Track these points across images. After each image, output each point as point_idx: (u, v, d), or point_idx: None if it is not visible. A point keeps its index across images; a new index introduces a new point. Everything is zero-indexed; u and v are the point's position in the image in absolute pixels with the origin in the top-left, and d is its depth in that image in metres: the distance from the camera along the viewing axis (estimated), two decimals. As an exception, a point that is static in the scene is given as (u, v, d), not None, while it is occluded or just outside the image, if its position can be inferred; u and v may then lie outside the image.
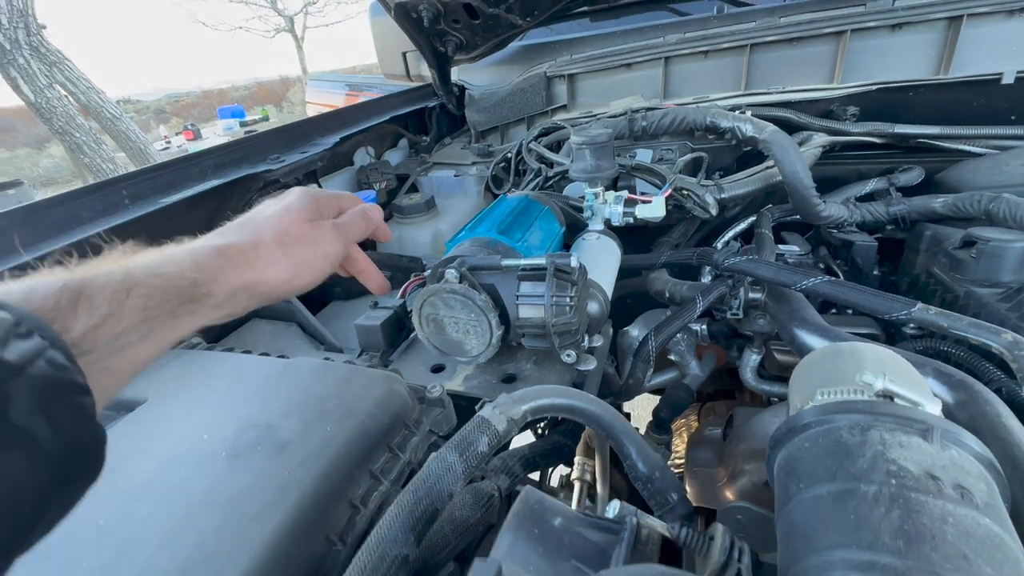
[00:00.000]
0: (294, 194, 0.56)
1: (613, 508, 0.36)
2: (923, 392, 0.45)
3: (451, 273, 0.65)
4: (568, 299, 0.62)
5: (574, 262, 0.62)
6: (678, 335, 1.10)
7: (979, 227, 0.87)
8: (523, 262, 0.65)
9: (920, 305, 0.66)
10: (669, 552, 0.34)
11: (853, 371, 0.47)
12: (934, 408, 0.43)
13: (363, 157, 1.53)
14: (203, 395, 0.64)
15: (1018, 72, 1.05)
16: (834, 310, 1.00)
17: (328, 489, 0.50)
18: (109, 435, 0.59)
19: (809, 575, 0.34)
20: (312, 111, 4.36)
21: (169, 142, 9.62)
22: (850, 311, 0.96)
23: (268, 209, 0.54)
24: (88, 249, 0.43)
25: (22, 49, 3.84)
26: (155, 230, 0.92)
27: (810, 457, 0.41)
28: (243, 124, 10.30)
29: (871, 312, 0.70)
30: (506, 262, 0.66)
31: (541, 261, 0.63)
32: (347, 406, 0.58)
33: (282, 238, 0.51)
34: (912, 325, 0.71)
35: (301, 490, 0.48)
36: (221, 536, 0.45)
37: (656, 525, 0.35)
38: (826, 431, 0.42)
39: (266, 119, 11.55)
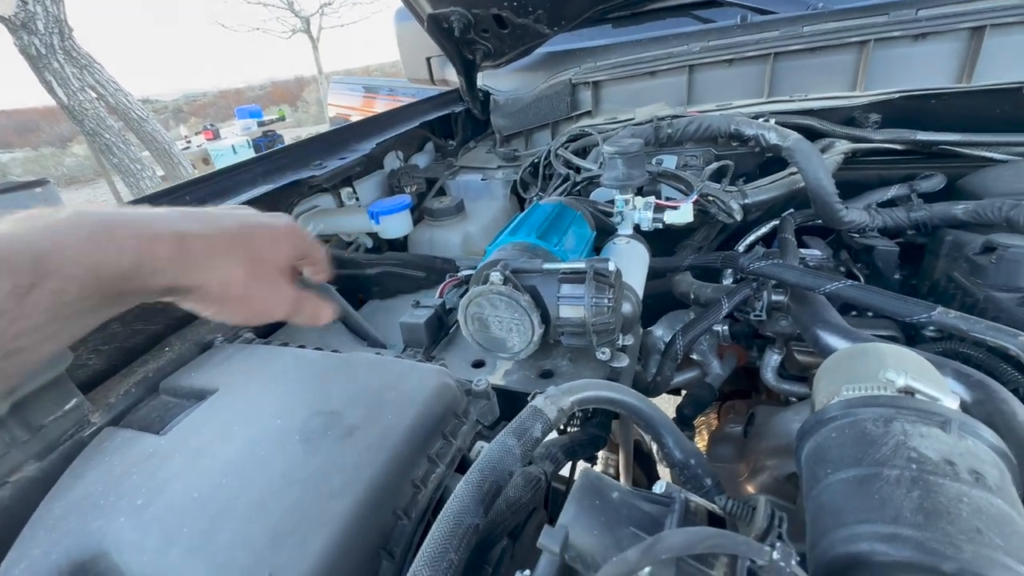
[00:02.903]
0: (285, 229, 0.50)
1: (660, 486, 0.41)
2: (942, 389, 0.50)
3: (496, 276, 0.70)
4: (606, 300, 0.66)
5: (612, 266, 0.67)
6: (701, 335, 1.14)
7: (1000, 233, 0.89)
8: (563, 266, 0.70)
9: (940, 309, 0.70)
10: (715, 526, 0.39)
11: (876, 369, 0.52)
12: (952, 403, 0.47)
13: (393, 161, 1.59)
14: (270, 385, 0.70)
15: (1041, 81, 1.07)
16: (854, 312, 1.03)
17: (394, 470, 0.55)
18: (190, 421, 0.66)
19: (836, 547, 0.38)
20: (332, 111, 4.46)
21: (189, 142, 9.80)
22: (870, 314, 0.99)
23: (252, 218, 0.48)
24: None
25: (57, 54, 3.99)
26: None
27: (837, 446, 0.45)
28: (261, 124, 10.43)
29: (893, 315, 0.74)
30: (547, 266, 0.71)
31: (581, 265, 0.68)
32: (405, 397, 0.63)
33: (254, 269, 0.45)
34: (932, 328, 0.75)
35: (372, 471, 0.54)
36: (304, 509, 0.51)
37: (701, 501, 0.40)
38: (852, 423, 0.46)
39: (283, 119, 11.69)
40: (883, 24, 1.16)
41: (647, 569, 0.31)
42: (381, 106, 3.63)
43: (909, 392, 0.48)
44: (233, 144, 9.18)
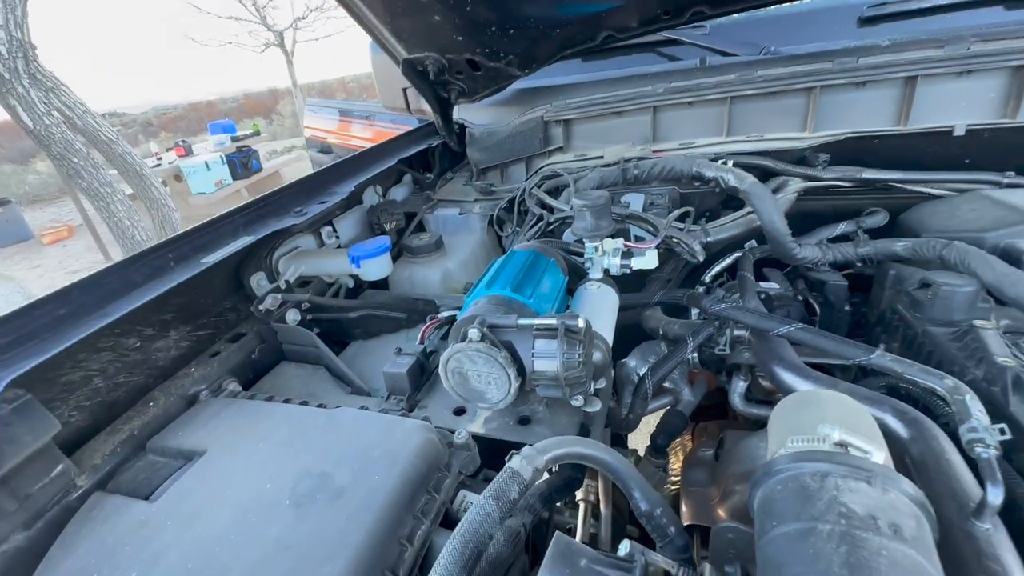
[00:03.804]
0: None
1: (624, 547, 0.46)
2: (873, 440, 0.56)
3: (474, 332, 0.74)
4: (577, 355, 0.71)
5: (581, 323, 0.72)
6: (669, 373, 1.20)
7: (936, 271, 0.98)
8: (536, 321, 0.75)
9: (878, 352, 0.77)
10: (670, 584, 0.43)
11: (816, 422, 0.58)
12: (879, 455, 0.53)
13: (372, 196, 1.62)
14: (258, 446, 0.73)
15: (968, 125, 1.17)
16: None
17: (383, 531, 0.59)
18: (180, 484, 0.68)
19: (777, 599, 0.44)
20: (308, 133, 4.46)
21: (160, 158, 9.56)
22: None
23: None
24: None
25: (21, 78, 3.89)
26: (197, 288, 1.01)
27: (781, 499, 0.51)
28: (235, 139, 10.25)
29: (837, 357, 0.81)
30: (522, 321, 0.75)
31: (553, 321, 0.73)
32: (390, 455, 0.67)
33: None
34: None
35: (360, 534, 0.57)
36: (301, 573, 0.54)
37: (659, 561, 0.45)
38: (793, 476, 0.52)
39: (257, 134, 11.51)
40: (828, 71, 1.25)
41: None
42: (357, 130, 3.65)
43: (843, 445, 0.54)
44: (206, 160, 9.01)
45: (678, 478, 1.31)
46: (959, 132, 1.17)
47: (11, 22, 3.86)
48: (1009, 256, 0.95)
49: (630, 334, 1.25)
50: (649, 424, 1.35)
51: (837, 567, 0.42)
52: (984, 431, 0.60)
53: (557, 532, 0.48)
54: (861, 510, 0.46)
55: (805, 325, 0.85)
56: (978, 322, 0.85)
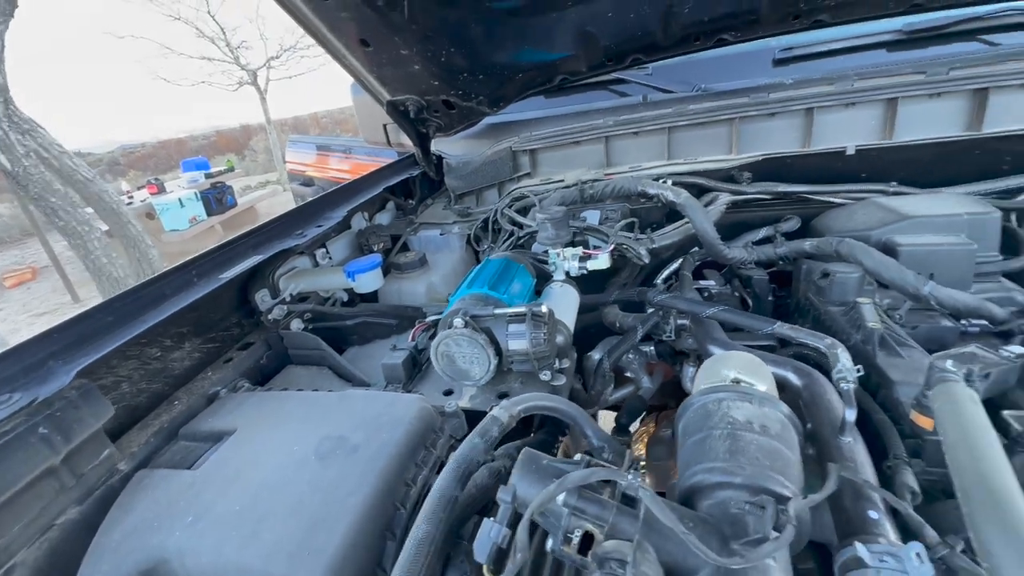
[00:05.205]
0: None
1: (577, 457, 0.63)
2: (761, 378, 0.75)
3: (458, 321, 0.92)
4: (543, 335, 0.89)
5: (545, 309, 0.91)
6: (631, 356, 1.38)
7: (832, 264, 1.21)
8: (509, 310, 0.93)
9: (778, 324, 0.97)
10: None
11: (722, 369, 0.77)
12: (762, 386, 0.72)
13: (359, 221, 1.80)
14: (282, 422, 0.88)
15: (857, 146, 1.43)
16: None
17: (392, 475, 0.74)
18: (219, 456, 0.82)
19: (685, 481, 0.61)
20: (289, 167, 4.63)
21: (132, 197, 9.49)
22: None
23: None
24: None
25: (1, 122, 3.97)
26: (213, 301, 1.15)
27: (691, 420, 0.69)
28: (209, 176, 10.25)
29: (748, 329, 1.01)
30: (498, 311, 0.93)
31: (522, 309, 0.91)
32: (395, 420, 0.83)
33: None
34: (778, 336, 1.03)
35: (375, 476, 0.73)
36: (329, 506, 0.69)
37: (601, 463, 0.62)
38: (700, 404, 0.70)
39: (231, 170, 11.56)
40: (745, 105, 1.51)
41: (561, 496, 0.52)
42: (334, 163, 3.85)
43: (737, 382, 0.73)
44: (180, 197, 9.01)
45: (645, 461, 1.49)
46: (850, 152, 1.43)
47: (-10, 68, 3.96)
48: (888, 248, 1.18)
49: (597, 332, 1.44)
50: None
51: (722, 453, 0.60)
52: (847, 371, 0.79)
53: (525, 448, 0.64)
54: (742, 418, 0.65)
55: (726, 307, 1.05)
56: (860, 299, 1.06)
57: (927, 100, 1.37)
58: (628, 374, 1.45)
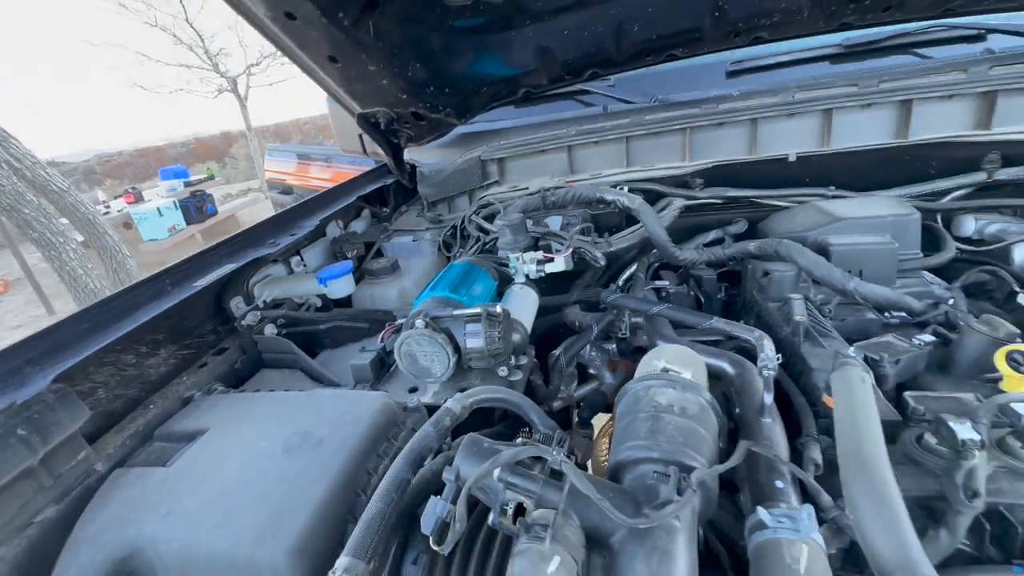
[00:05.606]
0: None
1: (518, 440, 0.70)
2: (690, 367, 0.83)
3: (419, 322, 0.98)
4: (497, 333, 0.96)
5: (499, 309, 0.98)
6: (594, 353, 1.46)
7: (773, 263, 1.30)
8: (467, 311, 1.00)
9: (715, 319, 1.06)
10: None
11: (654, 360, 0.85)
12: (687, 374, 0.80)
13: (334, 229, 1.85)
14: (252, 421, 0.93)
15: (798, 153, 1.54)
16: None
17: (354, 464, 0.80)
18: (191, 453, 0.87)
19: (613, 459, 0.68)
20: (268, 175, 4.64)
21: (108, 206, 9.34)
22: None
23: None
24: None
25: (-29, 133, 3.92)
26: (188, 309, 1.20)
27: (624, 406, 0.77)
28: (188, 184, 10.15)
29: (690, 325, 1.10)
30: (456, 312, 1.00)
31: (478, 310, 0.98)
32: (358, 415, 0.89)
33: None
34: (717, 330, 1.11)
35: (338, 466, 0.79)
36: (295, 494, 0.75)
37: (537, 445, 0.69)
38: (633, 391, 0.78)
39: (212, 178, 11.45)
40: (696, 115, 1.61)
41: (497, 472, 0.59)
42: (316, 171, 3.88)
43: (666, 371, 0.81)
44: (159, 206, 8.90)
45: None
46: (792, 159, 1.54)
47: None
48: (822, 248, 1.28)
49: (563, 334, 1.52)
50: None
51: (644, 433, 0.68)
52: (768, 360, 0.88)
53: (469, 433, 0.71)
54: (664, 402, 0.73)
55: (669, 305, 1.14)
56: (792, 296, 1.16)
57: (859, 111, 1.48)
58: (591, 371, 1.53)
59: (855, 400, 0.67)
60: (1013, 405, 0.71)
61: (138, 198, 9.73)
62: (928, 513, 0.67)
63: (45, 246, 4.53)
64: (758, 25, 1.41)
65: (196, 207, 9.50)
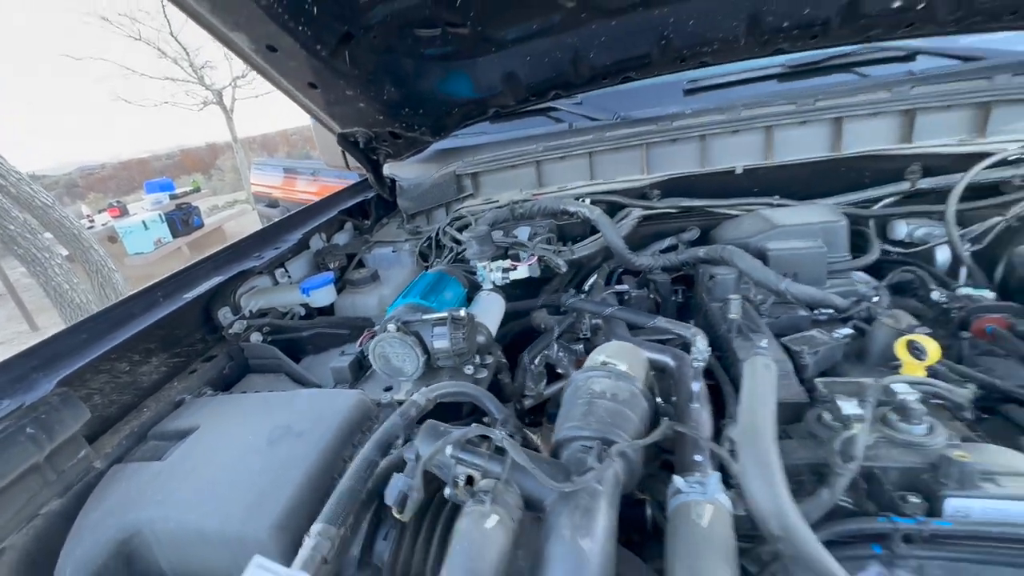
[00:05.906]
0: None
1: (473, 426, 0.81)
2: (626, 360, 0.95)
3: (391, 326, 1.09)
4: (461, 334, 1.07)
5: (463, 313, 1.09)
6: (561, 354, 1.57)
7: (718, 267, 1.43)
8: (435, 316, 1.11)
9: (658, 318, 1.18)
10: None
11: (597, 355, 0.96)
12: (623, 366, 0.92)
13: (317, 242, 1.95)
14: (239, 418, 1.03)
15: (744, 166, 1.68)
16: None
17: (331, 453, 0.90)
18: (183, 449, 0.96)
19: (554, 438, 0.79)
20: (255, 189, 4.72)
21: (93, 220, 9.29)
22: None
23: None
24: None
25: (-44, 150, 3.95)
26: (178, 319, 1.29)
27: (566, 395, 0.88)
28: (174, 197, 10.11)
29: (637, 324, 1.22)
30: (426, 316, 1.11)
31: (444, 314, 1.09)
32: (336, 410, 0.99)
33: None
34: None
35: (317, 454, 0.89)
36: (276, 480, 0.85)
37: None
38: (574, 383, 0.89)
39: (197, 190, 11.43)
40: (653, 132, 1.74)
41: (448, 448, 0.70)
42: (303, 184, 3.98)
43: (605, 364, 0.93)
44: (144, 219, 8.88)
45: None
46: (739, 171, 1.68)
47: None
48: (761, 253, 1.42)
49: (531, 335, 1.63)
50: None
51: (578, 415, 0.79)
52: (698, 353, 1.00)
53: (428, 419, 0.82)
54: (599, 389, 0.84)
55: (621, 306, 1.26)
56: (731, 296, 1.28)
57: (796, 127, 1.63)
58: (559, 370, 1.64)
59: (756, 385, 0.79)
60: (893, 386, 0.84)
61: (123, 211, 9.69)
62: (819, 478, 0.79)
63: (30, 262, 4.55)
64: (701, 52, 1.55)
65: (182, 219, 9.49)
